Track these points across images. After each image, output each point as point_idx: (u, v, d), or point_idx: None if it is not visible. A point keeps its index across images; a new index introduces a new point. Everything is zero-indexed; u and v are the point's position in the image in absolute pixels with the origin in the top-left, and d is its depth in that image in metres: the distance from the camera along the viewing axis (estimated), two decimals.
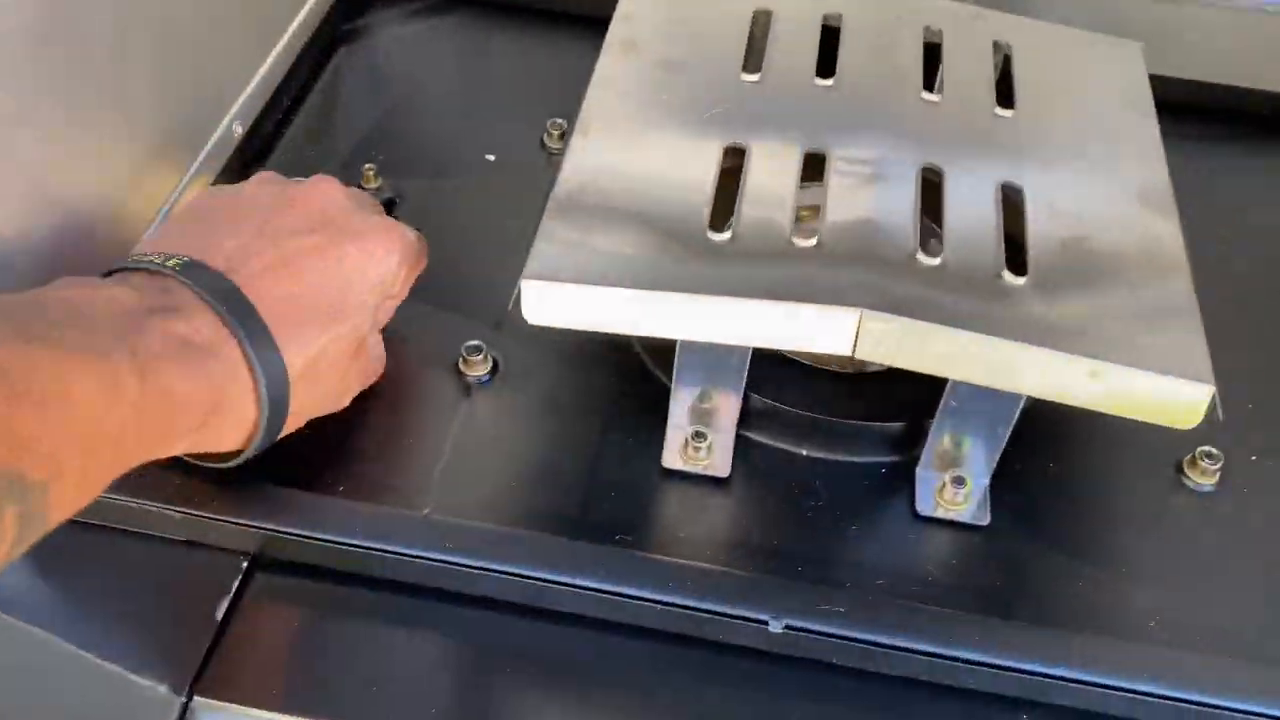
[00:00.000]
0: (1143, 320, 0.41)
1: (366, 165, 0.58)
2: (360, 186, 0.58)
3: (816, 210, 0.45)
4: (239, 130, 0.55)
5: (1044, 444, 0.47)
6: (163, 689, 0.38)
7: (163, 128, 0.50)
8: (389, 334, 0.48)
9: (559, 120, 0.61)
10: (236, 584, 0.41)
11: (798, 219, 0.45)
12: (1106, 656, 0.41)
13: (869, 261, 0.42)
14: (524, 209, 0.56)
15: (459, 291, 0.53)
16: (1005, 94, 0.51)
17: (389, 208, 0.58)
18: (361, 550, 0.43)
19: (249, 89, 0.55)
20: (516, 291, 0.42)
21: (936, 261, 0.42)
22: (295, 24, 0.60)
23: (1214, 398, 0.39)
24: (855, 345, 0.41)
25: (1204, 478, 0.47)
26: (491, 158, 0.61)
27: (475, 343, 0.50)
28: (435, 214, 0.58)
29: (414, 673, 0.41)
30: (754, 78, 0.50)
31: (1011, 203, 0.45)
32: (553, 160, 0.61)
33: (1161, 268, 0.43)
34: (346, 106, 0.63)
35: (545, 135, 0.62)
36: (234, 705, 0.39)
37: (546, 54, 0.67)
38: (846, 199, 0.44)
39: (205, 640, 0.40)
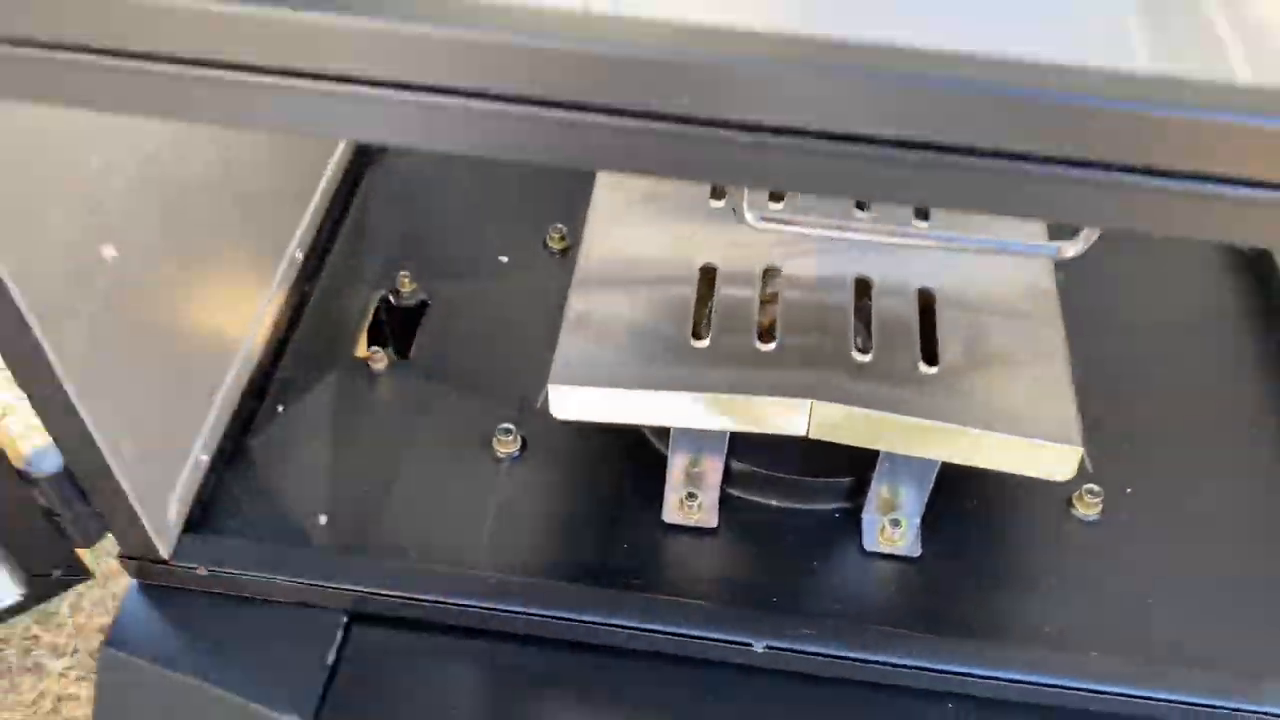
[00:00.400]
0: (1028, 399, 0.53)
1: (401, 273, 0.70)
2: (396, 290, 0.70)
3: (776, 297, 0.57)
4: (299, 255, 0.66)
5: (962, 488, 0.59)
6: (292, 718, 0.50)
7: (248, 261, 0.62)
8: (431, 413, 0.59)
9: (559, 225, 0.73)
10: (340, 635, 0.53)
11: (762, 302, 0.57)
12: (1010, 658, 0.53)
13: (816, 361, 0.54)
14: (536, 303, 0.69)
15: (489, 378, 0.65)
16: (924, 210, 0.63)
17: (421, 309, 0.70)
18: (431, 604, 0.54)
19: (304, 221, 0.67)
20: (544, 392, 0.54)
21: (868, 359, 0.54)
22: (333, 160, 0.72)
23: (1083, 455, 0.52)
24: (809, 428, 0.53)
25: (1088, 509, 0.60)
26: (504, 259, 0.73)
27: (507, 425, 0.62)
28: (462, 311, 0.70)
29: (480, 694, 0.53)
30: (720, 203, 0.62)
31: (926, 304, 0.58)
32: (554, 259, 0.73)
33: (1043, 355, 0.55)
34: (378, 222, 0.74)
35: (547, 238, 0.74)
36: None
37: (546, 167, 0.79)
38: (797, 309, 0.57)
39: (321, 680, 0.51)
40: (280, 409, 0.63)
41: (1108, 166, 0.30)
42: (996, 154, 0.30)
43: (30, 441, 0.47)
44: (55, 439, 0.45)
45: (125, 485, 0.48)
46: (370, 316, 0.70)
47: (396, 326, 0.70)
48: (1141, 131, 0.29)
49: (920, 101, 0.29)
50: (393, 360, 0.67)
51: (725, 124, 0.30)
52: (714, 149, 0.30)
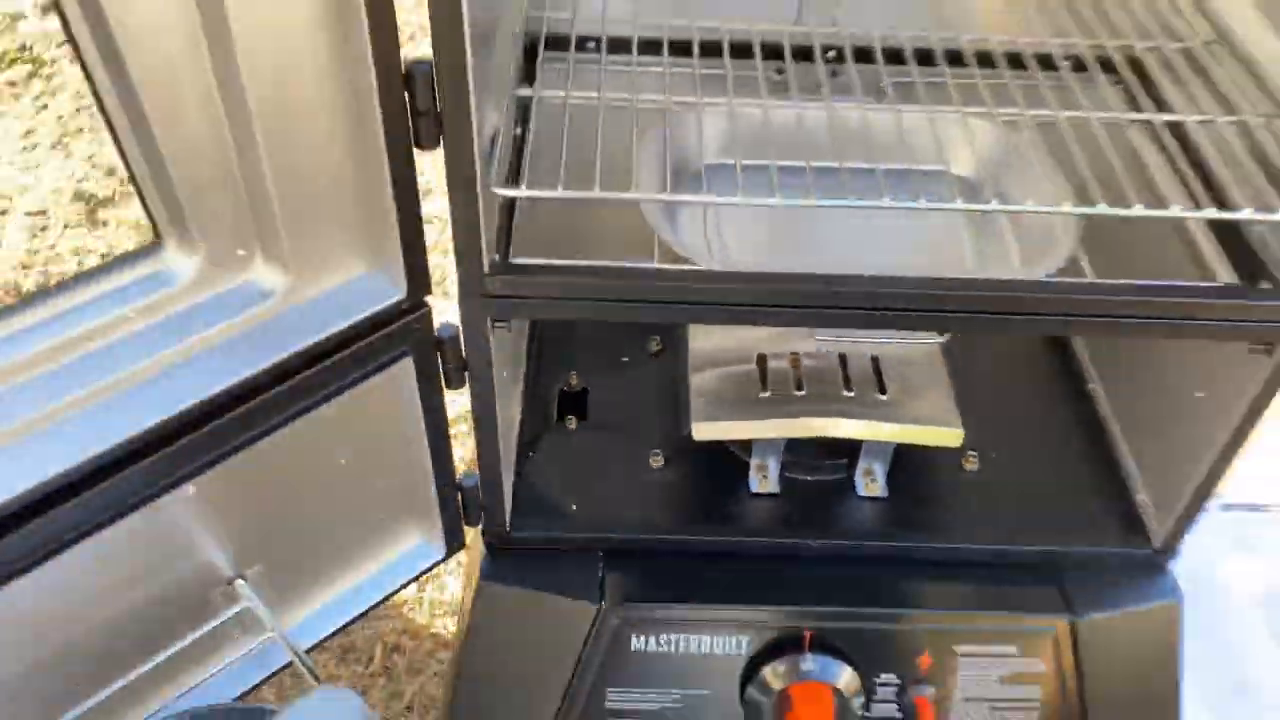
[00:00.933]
0: (933, 407, 1.06)
1: (570, 372, 1.20)
2: (569, 383, 1.20)
3: (799, 365, 1.09)
4: (521, 371, 1.17)
5: (906, 457, 1.11)
6: (588, 604, 0.99)
7: (513, 376, 1.11)
8: (609, 448, 1.10)
9: (655, 336, 1.25)
10: (601, 562, 1.03)
11: (791, 369, 1.09)
12: (935, 540, 1.05)
13: (825, 398, 1.06)
14: (649, 383, 1.20)
15: (634, 426, 1.15)
16: None
17: (585, 394, 1.20)
18: (637, 540, 1.04)
19: (523, 350, 1.17)
20: (688, 428, 1.05)
21: (852, 394, 1.07)
22: None
23: (963, 434, 1.04)
24: (829, 431, 1.05)
25: (970, 465, 1.12)
26: (625, 359, 1.24)
27: (655, 450, 1.12)
28: (608, 392, 1.20)
29: (670, 578, 1.03)
30: None
31: (875, 363, 1.10)
32: (653, 358, 1.23)
33: (937, 384, 1.08)
34: (552, 347, 1.24)
35: (648, 344, 1.25)
36: (619, 608, 1.00)
37: None
38: (811, 372, 1.09)
39: (598, 583, 1.01)
40: (530, 454, 1.12)
41: (957, 313, 0.83)
42: (912, 311, 0.83)
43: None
44: (480, 467, 0.94)
45: (505, 493, 0.97)
46: (557, 400, 1.20)
47: (574, 404, 1.20)
48: (960, 299, 0.83)
49: (882, 294, 0.82)
50: (578, 423, 1.17)
51: (819, 307, 0.82)
52: (811, 315, 0.83)
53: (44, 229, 1.87)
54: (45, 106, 2.10)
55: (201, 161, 0.65)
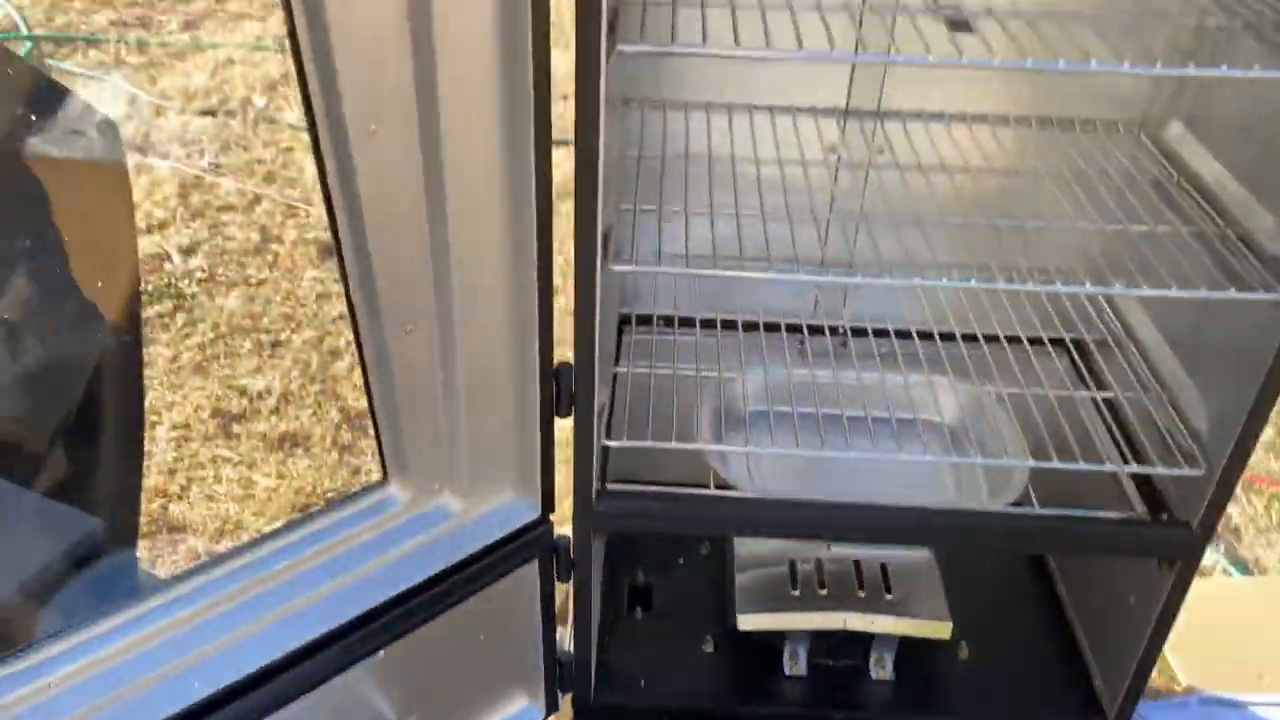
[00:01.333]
0: (929, 605, 1.35)
1: (638, 571, 1.50)
2: (636, 579, 1.50)
3: (822, 569, 1.38)
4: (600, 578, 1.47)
5: (910, 646, 1.39)
6: None
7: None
8: (668, 632, 1.39)
9: (706, 542, 1.55)
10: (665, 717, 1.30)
11: (816, 572, 1.38)
12: (933, 715, 1.32)
13: (845, 597, 1.35)
14: (700, 579, 1.50)
15: (690, 614, 1.44)
16: None
17: (650, 589, 1.50)
18: (697, 711, 1.31)
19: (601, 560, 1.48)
20: (734, 619, 1.34)
21: (864, 594, 1.36)
22: None
23: (952, 626, 1.32)
24: (845, 626, 1.33)
25: (963, 653, 1.40)
26: (681, 560, 1.54)
27: (706, 636, 1.41)
28: (668, 588, 1.49)
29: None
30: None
31: (884, 568, 1.40)
32: (703, 559, 1.53)
33: (932, 587, 1.37)
34: (623, 555, 1.55)
35: (699, 548, 1.55)
36: None
37: None
38: (832, 575, 1.38)
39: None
40: (609, 637, 1.41)
41: (941, 534, 1.13)
42: (907, 532, 1.13)
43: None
44: (575, 646, 1.23)
45: (591, 667, 1.26)
46: (627, 593, 1.49)
47: (642, 597, 1.49)
48: (943, 525, 1.14)
49: (883, 519, 1.13)
50: (644, 612, 1.46)
51: (836, 527, 1.13)
52: (830, 532, 1.14)
53: (187, 440, 2.23)
54: (188, 335, 2.50)
55: (423, 424, 0.99)
